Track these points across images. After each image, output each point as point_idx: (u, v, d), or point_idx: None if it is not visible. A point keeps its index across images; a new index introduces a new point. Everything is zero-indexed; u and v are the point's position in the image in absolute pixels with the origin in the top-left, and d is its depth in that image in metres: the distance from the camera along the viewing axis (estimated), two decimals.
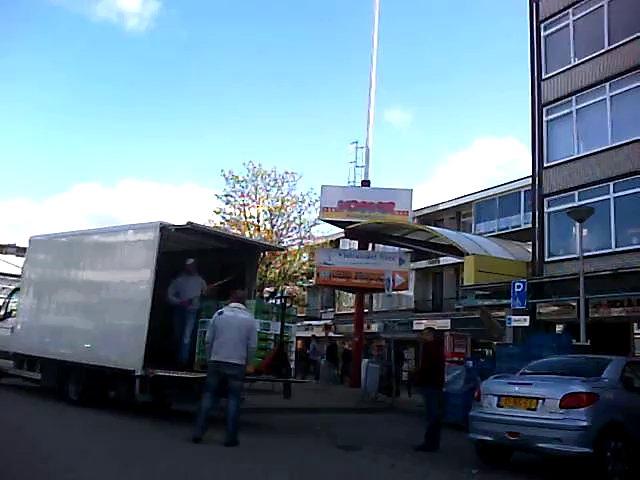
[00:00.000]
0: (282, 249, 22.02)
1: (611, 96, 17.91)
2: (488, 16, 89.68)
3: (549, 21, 20.49)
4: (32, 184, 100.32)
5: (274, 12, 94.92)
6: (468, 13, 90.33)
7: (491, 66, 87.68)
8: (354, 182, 28.20)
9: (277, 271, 26.36)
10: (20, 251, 26.38)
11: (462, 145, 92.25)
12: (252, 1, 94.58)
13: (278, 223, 26.13)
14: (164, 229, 10.81)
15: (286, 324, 11.47)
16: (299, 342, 25.47)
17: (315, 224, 27.63)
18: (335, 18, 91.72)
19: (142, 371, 10.10)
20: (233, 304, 9.28)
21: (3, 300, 16.18)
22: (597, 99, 18.38)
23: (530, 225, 20.93)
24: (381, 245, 28.94)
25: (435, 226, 28.79)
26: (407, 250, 28.28)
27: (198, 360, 10.87)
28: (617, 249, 16.99)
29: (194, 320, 11.58)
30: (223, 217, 25.77)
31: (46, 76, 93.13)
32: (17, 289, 15.07)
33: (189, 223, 11.10)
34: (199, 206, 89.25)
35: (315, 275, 26.84)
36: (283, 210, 26.12)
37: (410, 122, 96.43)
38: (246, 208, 25.91)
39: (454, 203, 34.69)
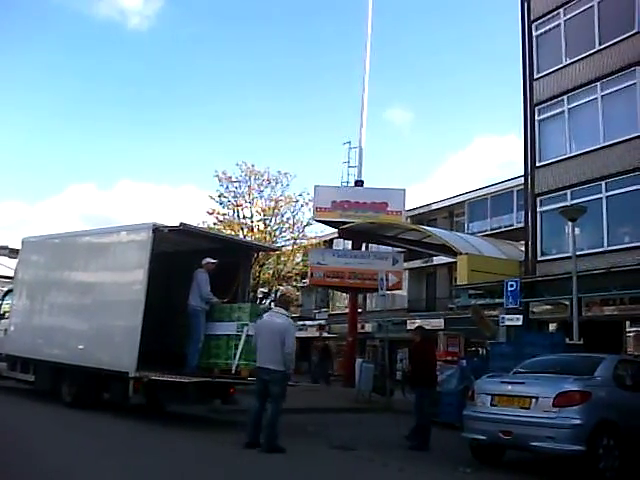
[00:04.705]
0: (276, 250, 22.00)
1: (602, 95, 17.98)
2: (488, 12, 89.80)
3: (540, 21, 20.56)
4: (26, 186, 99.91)
5: (270, 11, 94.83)
6: (466, 10, 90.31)
7: (492, 63, 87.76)
8: (347, 182, 28.26)
9: (271, 271, 26.33)
10: (13, 253, 26.24)
11: (463, 144, 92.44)
12: (251, 1, 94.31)
13: (272, 223, 26.11)
14: (157, 230, 10.78)
15: None
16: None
17: (309, 224, 27.64)
18: (332, 18, 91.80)
19: (136, 373, 10.08)
20: (275, 308, 9.37)
21: None
22: (588, 98, 18.46)
23: (523, 224, 21.01)
24: (374, 245, 28.98)
25: (428, 226, 28.85)
26: (400, 250, 28.35)
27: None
28: (609, 248, 17.06)
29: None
30: (217, 218, 25.73)
31: (43, 75, 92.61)
32: (10, 291, 15.01)
33: (182, 224, 11.08)
34: (197, 207, 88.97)
35: (309, 275, 26.86)
36: (277, 210, 26.10)
37: (411, 121, 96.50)
38: (239, 209, 25.88)
39: (447, 203, 34.80)
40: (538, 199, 19.51)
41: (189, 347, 11.08)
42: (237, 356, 10.59)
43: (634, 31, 17.21)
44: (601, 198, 17.45)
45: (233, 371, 10.62)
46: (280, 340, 8.53)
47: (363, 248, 27.78)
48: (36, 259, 14.42)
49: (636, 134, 16.81)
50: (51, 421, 10.39)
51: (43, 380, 12.70)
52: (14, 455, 7.09)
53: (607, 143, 17.58)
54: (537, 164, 19.77)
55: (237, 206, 25.77)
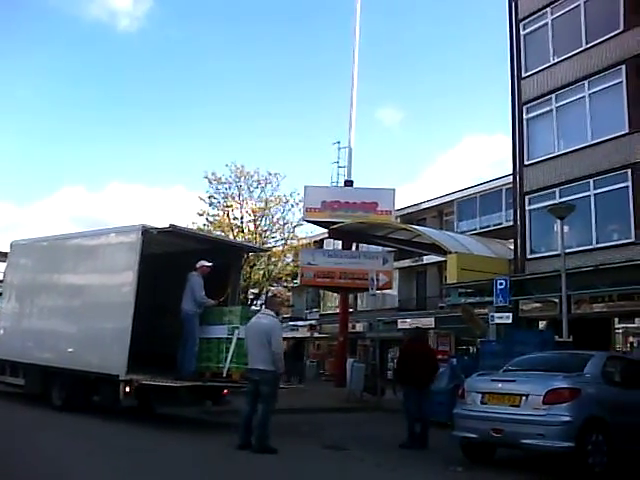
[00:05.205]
0: (266, 250, 22.00)
1: (590, 94, 18.10)
2: (476, 12, 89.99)
3: (527, 20, 20.66)
4: (16, 188, 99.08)
5: (259, 11, 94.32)
6: (454, 9, 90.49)
7: (480, 62, 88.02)
8: (337, 182, 28.33)
9: (262, 272, 26.35)
10: (1, 256, 26.10)
11: (452, 143, 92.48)
12: (240, 1, 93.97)
13: (262, 224, 26.12)
14: (146, 232, 10.77)
15: None
16: None
17: (299, 225, 27.71)
18: (321, 17, 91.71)
19: (126, 375, 10.04)
20: (263, 309, 9.38)
21: None
22: (576, 97, 18.56)
23: (512, 223, 21.11)
24: (365, 245, 29.06)
25: (418, 225, 28.92)
26: (390, 249, 28.41)
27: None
28: (598, 245, 17.17)
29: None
30: (207, 219, 25.72)
31: (32, 78, 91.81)
32: None
33: (171, 226, 11.06)
34: (187, 209, 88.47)
35: (299, 276, 26.88)
36: (267, 211, 26.12)
37: (400, 120, 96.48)
38: (229, 210, 25.87)
39: (436, 202, 34.85)
40: (527, 197, 19.60)
41: (184, 351, 10.96)
42: (228, 359, 10.57)
43: (620, 30, 17.35)
44: (589, 196, 17.56)
45: (224, 374, 10.60)
46: (267, 340, 8.52)
47: (353, 248, 27.86)
48: (25, 262, 14.34)
49: (623, 132, 16.93)
50: (41, 425, 10.31)
51: (33, 384, 12.62)
52: (3, 459, 7.04)
53: (595, 141, 17.69)
54: (525, 162, 19.86)
55: (227, 207, 25.78)
